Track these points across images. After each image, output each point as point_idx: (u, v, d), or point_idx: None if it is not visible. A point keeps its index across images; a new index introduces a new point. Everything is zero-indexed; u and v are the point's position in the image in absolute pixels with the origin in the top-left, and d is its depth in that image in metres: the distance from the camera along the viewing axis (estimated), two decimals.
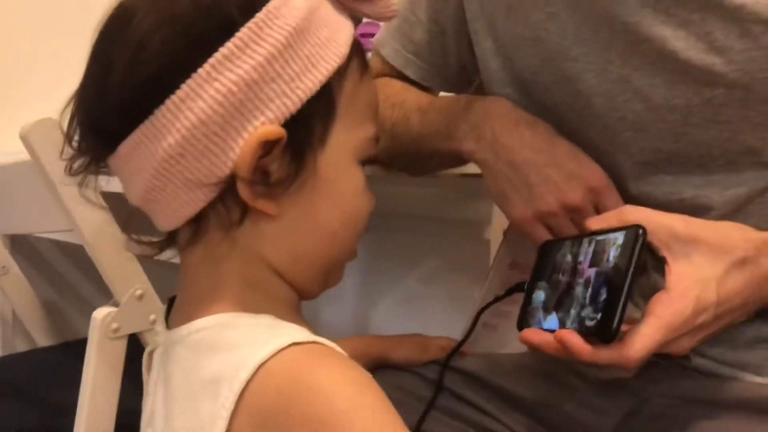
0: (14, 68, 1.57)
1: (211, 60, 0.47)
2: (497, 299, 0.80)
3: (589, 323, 0.57)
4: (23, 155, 0.78)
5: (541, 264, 0.70)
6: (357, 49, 0.53)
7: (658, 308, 0.57)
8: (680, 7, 0.63)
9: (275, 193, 0.50)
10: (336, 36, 0.52)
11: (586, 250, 0.63)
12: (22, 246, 1.47)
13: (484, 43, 0.80)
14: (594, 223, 0.64)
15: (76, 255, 1.43)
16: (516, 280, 1.07)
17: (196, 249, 0.52)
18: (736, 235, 0.61)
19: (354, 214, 0.55)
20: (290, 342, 0.46)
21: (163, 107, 0.48)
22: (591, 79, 0.71)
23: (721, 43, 0.62)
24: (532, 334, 0.60)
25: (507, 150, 0.74)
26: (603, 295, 0.57)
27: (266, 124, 0.48)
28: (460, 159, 0.79)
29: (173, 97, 0.47)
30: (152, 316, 0.94)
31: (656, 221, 0.59)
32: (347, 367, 0.46)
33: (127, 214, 0.55)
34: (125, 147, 0.49)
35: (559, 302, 0.63)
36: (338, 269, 0.57)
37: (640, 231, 0.57)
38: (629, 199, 0.71)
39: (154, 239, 0.55)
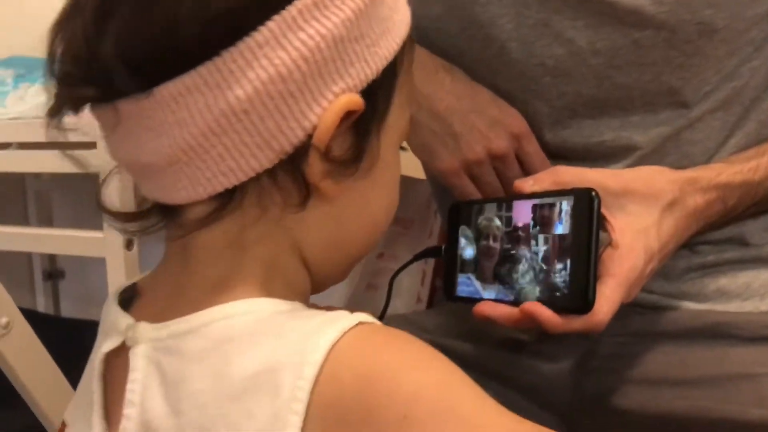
0: None
1: (299, 3, 0.39)
2: (408, 264, 0.77)
3: (557, 295, 0.56)
4: None
5: (457, 227, 0.66)
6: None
7: (613, 267, 0.57)
8: None
9: (343, 174, 0.43)
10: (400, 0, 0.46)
11: (526, 215, 0.60)
12: None
13: None
14: (527, 185, 0.62)
15: None
16: (401, 236, 1.06)
17: (215, 228, 0.43)
18: (661, 178, 0.63)
19: (395, 202, 0.49)
20: (357, 321, 0.40)
21: (234, 50, 0.39)
22: (505, 24, 0.69)
23: None
24: (489, 308, 0.58)
25: (428, 99, 0.70)
26: (563, 264, 0.56)
27: (345, 91, 0.41)
28: None
29: (249, 41, 0.39)
30: (4, 319, 0.80)
31: (588, 179, 0.59)
32: (419, 342, 0.41)
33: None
34: (168, 91, 0.39)
35: (499, 271, 0.61)
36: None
37: (594, 193, 0.56)
38: (546, 144, 0.71)
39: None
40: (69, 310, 1.67)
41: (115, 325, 0.46)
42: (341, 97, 0.41)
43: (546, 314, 0.54)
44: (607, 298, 0.56)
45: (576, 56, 0.67)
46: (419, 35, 0.75)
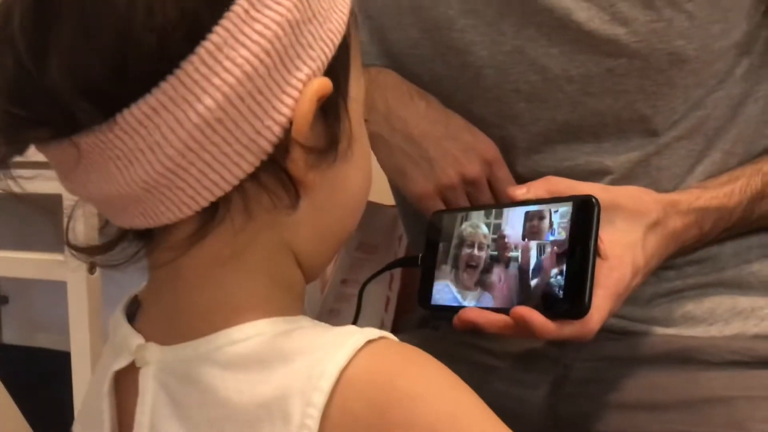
0: None
1: None
2: (380, 272, 0.76)
3: (550, 301, 0.56)
4: None
5: (436, 236, 0.66)
6: None
7: (602, 277, 0.57)
8: None
9: (325, 161, 0.42)
10: None
11: (517, 222, 0.61)
12: None
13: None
14: (519, 192, 0.63)
15: None
16: (365, 262, 1.05)
17: (203, 246, 0.41)
18: (647, 198, 0.64)
19: (370, 174, 0.48)
20: (365, 340, 0.39)
21: (194, 58, 0.37)
22: (480, 51, 0.70)
23: (625, 14, 0.64)
24: (475, 314, 0.58)
25: (403, 123, 0.71)
26: (559, 270, 0.56)
27: (310, 76, 0.40)
28: None
29: (207, 45, 0.37)
30: None
31: (580, 189, 0.60)
32: (433, 363, 0.40)
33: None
34: (134, 115, 0.37)
35: (485, 279, 0.61)
36: None
37: (594, 200, 0.56)
38: (520, 168, 0.72)
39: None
40: (12, 336, 1.60)
41: (125, 343, 0.44)
42: (310, 83, 0.40)
43: (538, 319, 0.54)
44: (598, 308, 0.56)
45: (550, 83, 0.68)
46: (391, 60, 0.76)
